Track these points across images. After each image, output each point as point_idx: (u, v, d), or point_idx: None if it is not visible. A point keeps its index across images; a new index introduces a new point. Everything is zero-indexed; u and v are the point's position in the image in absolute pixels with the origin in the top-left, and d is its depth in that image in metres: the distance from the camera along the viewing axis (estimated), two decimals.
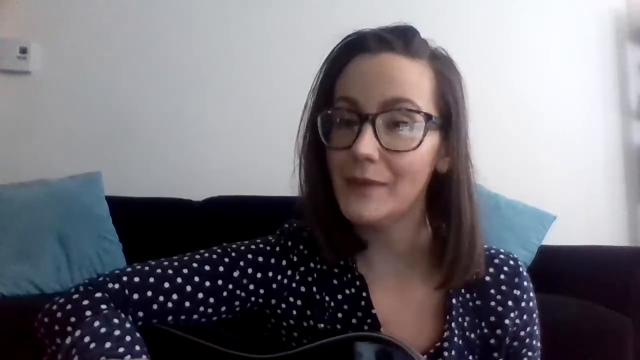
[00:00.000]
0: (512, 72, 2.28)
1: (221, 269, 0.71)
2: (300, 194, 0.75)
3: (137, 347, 0.61)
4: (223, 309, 0.72)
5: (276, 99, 2.17)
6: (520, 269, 0.76)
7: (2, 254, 1.59)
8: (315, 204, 0.73)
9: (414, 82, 0.67)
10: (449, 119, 0.69)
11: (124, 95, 2.17)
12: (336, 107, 0.68)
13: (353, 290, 0.74)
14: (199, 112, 2.18)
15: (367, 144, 0.64)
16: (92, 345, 0.59)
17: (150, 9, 2.21)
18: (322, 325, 0.73)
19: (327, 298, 0.74)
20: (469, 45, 2.28)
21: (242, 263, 0.73)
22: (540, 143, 2.25)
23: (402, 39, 0.69)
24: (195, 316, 0.70)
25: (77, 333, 0.61)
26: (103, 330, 0.61)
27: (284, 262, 0.75)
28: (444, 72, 0.70)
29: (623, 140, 2.33)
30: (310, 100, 0.73)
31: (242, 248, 0.75)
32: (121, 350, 0.60)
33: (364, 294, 0.73)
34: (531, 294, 0.76)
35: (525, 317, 0.75)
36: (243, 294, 0.72)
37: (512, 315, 0.74)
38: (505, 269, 0.76)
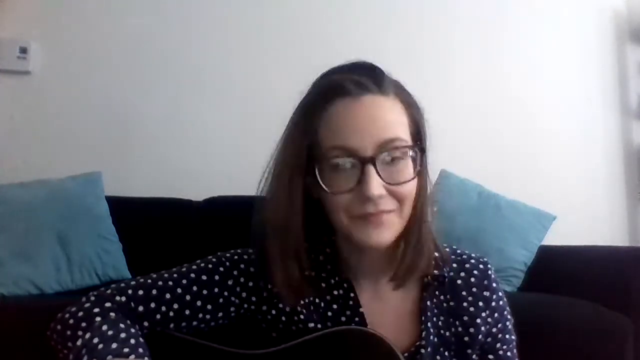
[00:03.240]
0: (512, 72, 2.28)
1: (217, 277, 0.78)
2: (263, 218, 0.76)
3: (141, 350, 0.69)
4: (219, 314, 0.79)
5: (276, 99, 2.16)
6: (489, 272, 0.83)
7: (2, 254, 1.59)
8: (287, 242, 0.74)
9: (396, 119, 0.72)
10: (423, 143, 0.75)
11: (124, 96, 2.17)
12: (332, 156, 0.70)
13: (341, 291, 0.80)
14: (199, 112, 2.18)
15: (376, 185, 0.69)
16: (100, 345, 0.67)
17: (151, 9, 2.21)
18: (312, 324, 0.78)
19: (316, 300, 0.80)
20: (469, 46, 2.29)
21: (235, 272, 0.79)
22: (540, 143, 2.25)
23: (373, 80, 0.72)
24: (194, 322, 0.78)
25: (87, 335, 0.68)
26: (110, 332, 0.69)
27: None
28: (410, 102, 0.75)
29: (623, 140, 2.33)
30: (289, 147, 0.74)
31: (236, 258, 0.81)
32: (126, 350, 0.67)
33: (352, 294, 0.80)
34: (500, 294, 0.83)
35: (496, 315, 0.82)
36: (237, 301, 0.79)
37: (483, 314, 0.81)
38: (476, 272, 0.83)
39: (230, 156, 2.16)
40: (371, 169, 0.69)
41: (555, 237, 1.84)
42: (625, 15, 2.37)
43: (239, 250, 0.82)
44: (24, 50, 2.11)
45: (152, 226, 1.83)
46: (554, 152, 2.25)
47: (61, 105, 2.14)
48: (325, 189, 0.70)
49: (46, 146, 2.10)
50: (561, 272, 1.71)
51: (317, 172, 0.71)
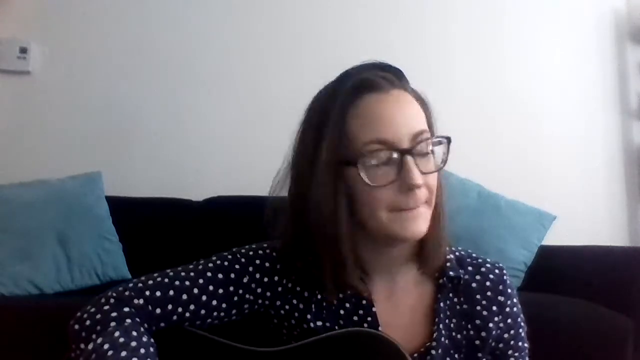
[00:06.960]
0: (512, 72, 2.28)
1: (232, 275, 0.79)
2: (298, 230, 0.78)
3: None
4: (234, 312, 0.80)
5: (276, 99, 2.17)
6: (505, 277, 0.84)
7: (2, 254, 1.59)
8: (336, 240, 0.75)
9: (420, 112, 0.76)
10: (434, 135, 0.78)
11: (124, 95, 2.17)
12: (370, 150, 0.72)
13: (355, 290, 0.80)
14: (199, 112, 2.18)
15: (418, 174, 0.72)
16: (110, 352, 0.68)
17: (151, 9, 2.21)
18: (320, 323, 0.79)
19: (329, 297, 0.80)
20: (469, 46, 2.29)
21: (250, 269, 0.80)
22: (540, 143, 2.25)
23: (396, 76, 0.77)
24: (209, 320, 0.79)
25: (99, 340, 0.69)
26: (121, 340, 0.69)
27: (288, 267, 0.81)
28: (422, 99, 0.79)
29: (623, 140, 2.33)
30: (324, 142, 0.74)
31: (251, 253, 0.82)
32: None
33: (365, 294, 0.80)
34: (514, 300, 0.84)
35: (509, 321, 0.82)
36: (252, 297, 0.80)
37: (496, 319, 0.81)
38: (491, 276, 0.83)
39: (230, 156, 2.16)
40: (410, 160, 0.71)
41: (555, 237, 1.83)
42: (625, 15, 2.37)
43: (253, 246, 0.83)
44: (24, 50, 2.11)
45: (152, 226, 1.83)
46: (554, 152, 2.25)
47: (61, 105, 2.14)
48: (369, 182, 0.71)
49: (46, 146, 2.10)
50: (561, 272, 1.71)
51: (358, 168, 0.71)
